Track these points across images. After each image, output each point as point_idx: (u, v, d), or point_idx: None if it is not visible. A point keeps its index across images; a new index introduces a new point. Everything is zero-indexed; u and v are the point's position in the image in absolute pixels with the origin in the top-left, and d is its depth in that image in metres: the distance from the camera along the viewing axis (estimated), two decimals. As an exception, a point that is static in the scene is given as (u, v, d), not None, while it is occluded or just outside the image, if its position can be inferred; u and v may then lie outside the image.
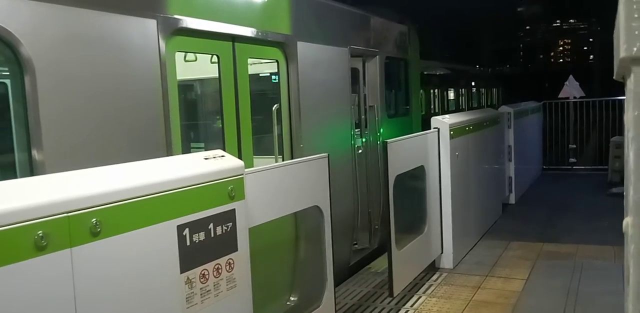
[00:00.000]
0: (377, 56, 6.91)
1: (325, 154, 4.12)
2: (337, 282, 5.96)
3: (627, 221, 0.87)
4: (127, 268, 2.44)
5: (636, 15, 0.78)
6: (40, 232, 2.00)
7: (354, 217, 6.49)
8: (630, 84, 0.84)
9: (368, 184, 6.88)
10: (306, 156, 5.29)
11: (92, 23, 3.10)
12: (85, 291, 2.21)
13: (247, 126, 5.17)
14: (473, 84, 13.09)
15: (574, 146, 12.61)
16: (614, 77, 1.26)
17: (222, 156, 3.26)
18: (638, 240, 0.83)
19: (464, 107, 12.33)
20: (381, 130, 7.01)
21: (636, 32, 0.79)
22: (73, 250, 2.14)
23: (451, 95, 11.69)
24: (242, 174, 3.24)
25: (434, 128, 6.15)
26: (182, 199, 2.76)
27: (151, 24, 3.47)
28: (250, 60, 6.01)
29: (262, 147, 6.17)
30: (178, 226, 2.72)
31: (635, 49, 0.80)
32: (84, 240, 2.19)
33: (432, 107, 9.96)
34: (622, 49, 0.81)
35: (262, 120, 6.24)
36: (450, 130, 6.16)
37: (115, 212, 2.33)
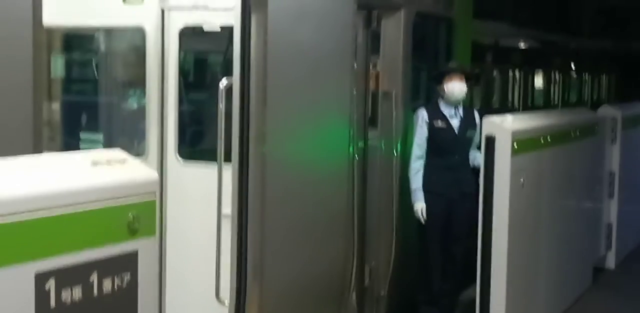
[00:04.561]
0: (402, 11, 5.37)
1: None
2: None
3: None
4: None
5: None
6: None
7: (347, 274, 4.73)
8: None
9: (374, 218, 5.19)
10: (270, 164, 4.01)
11: None
12: None
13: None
14: (566, 65, 10.47)
15: None
16: None
17: (123, 160, 2.59)
18: None
19: (547, 102, 9.84)
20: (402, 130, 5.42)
21: None
22: None
23: (527, 81, 9.29)
24: (155, 192, 2.60)
25: (487, 136, 4.74)
26: (45, 230, 2.15)
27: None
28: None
29: (203, 148, 4.92)
30: (37, 275, 2.11)
31: None
32: None
33: (492, 99, 7.74)
34: None
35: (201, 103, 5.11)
36: (514, 141, 4.78)
37: None
